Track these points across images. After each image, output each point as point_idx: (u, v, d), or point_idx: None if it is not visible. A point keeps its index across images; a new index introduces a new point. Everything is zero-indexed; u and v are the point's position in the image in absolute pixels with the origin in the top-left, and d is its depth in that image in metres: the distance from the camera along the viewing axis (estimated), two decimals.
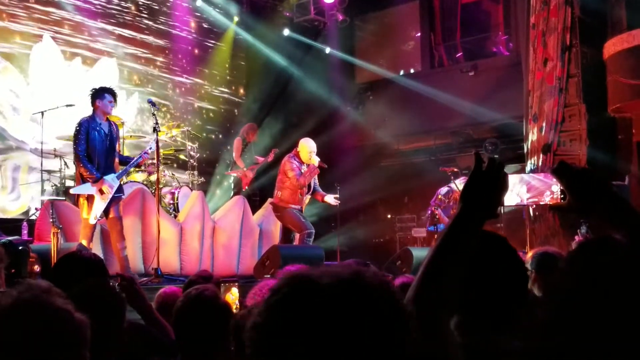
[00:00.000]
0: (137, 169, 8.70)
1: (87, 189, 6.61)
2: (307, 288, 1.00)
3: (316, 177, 8.12)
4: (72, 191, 6.84)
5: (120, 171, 6.95)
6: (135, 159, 7.13)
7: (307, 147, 7.88)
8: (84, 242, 6.61)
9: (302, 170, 7.87)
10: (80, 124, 6.73)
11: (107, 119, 6.86)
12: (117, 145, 6.94)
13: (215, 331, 2.54)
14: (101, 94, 6.77)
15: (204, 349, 2.54)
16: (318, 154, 7.99)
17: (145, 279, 6.64)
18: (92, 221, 6.64)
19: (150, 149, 7.12)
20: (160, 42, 12.12)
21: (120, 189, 6.92)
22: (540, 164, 10.08)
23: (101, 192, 6.61)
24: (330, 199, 8.10)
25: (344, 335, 0.95)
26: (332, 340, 0.95)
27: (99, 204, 6.63)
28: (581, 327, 0.91)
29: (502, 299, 1.64)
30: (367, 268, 1.07)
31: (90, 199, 6.62)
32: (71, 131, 8.71)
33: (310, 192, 8.11)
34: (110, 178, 6.73)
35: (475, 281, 1.46)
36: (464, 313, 1.32)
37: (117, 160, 6.96)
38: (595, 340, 0.90)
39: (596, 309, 0.91)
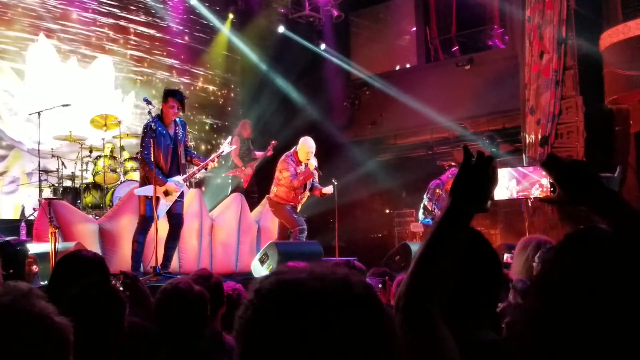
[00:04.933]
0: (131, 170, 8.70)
1: (149, 190, 6.60)
2: (294, 293, 1.00)
3: (315, 178, 8.08)
4: (135, 192, 6.82)
5: (187, 173, 6.97)
6: (205, 162, 7.05)
7: (306, 147, 7.82)
8: (139, 236, 6.69)
9: (298, 171, 7.83)
10: (146, 126, 6.69)
11: (174, 120, 6.80)
12: (180, 146, 6.82)
13: (193, 320, 2.71)
14: (165, 97, 6.74)
15: (185, 337, 2.69)
16: (316, 149, 7.98)
17: (143, 277, 6.64)
18: (158, 218, 6.64)
19: (223, 152, 7.14)
20: (156, 41, 12.11)
21: (182, 194, 6.93)
22: (537, 156, 10.08)
23: (166, 193, 6.65)
24: (328, 189, 8.07)
25: (328, 345, 0.96)
26: (316, 344, 0.96)
27: (163, 205, 6.70)
28: (564, 318, 0.92)
29: (476, 291, 1.66)
30: (355, 275, 1.06)
31: (153, 197, 6.63)
32: (67, 131, 8.82)
33: (309, 190, 8.08)
34: (175, 180, 6.75)
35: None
36: (443, 307, 1.33)
37: (182, 160, 6.88)
38: (579, 330, 0.90)
39: (581, 299, 0.91)
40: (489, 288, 1.72)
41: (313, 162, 7.82)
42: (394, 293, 3.16)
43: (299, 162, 7.85)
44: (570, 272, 0.95)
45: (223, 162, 9.97)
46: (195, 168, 7.10)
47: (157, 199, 6.65)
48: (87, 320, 2.08)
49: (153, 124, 6.61)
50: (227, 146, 7.25)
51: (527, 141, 10.33)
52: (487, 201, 1.42)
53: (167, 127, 6.73)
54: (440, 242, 1.36)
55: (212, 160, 7.04)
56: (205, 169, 7.23)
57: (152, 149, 6.56)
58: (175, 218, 6.93)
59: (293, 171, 7.77)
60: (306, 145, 7.82)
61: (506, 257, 4.61)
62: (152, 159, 6.56)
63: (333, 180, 8.70)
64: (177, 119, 6.87)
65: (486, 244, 1.75)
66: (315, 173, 7.94)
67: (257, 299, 1.02)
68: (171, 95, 6.74)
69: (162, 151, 6.67)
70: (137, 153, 7.31)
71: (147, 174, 6.71)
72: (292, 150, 7.95)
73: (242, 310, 1.03)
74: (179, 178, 6.80)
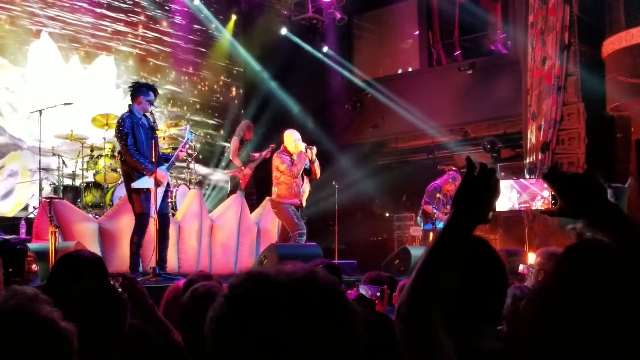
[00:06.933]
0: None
1: (147, 182, 6.56)
2: (263, 285, 1.08)
3: (308, 162, 8.08)
4: (134, 185, 6.63)
5: (167, 164, 6.98)
6: (176, 153, 7.12)
7: (292, 137, 7.89)
8: (136, 237, 6.64)
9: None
10: (123, 119, 6.64)
11: (144, 114, 6.80)
12: (156, 137, 6.79)
13: None
14: (145, 91, 6.73)
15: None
16: (318, 152, 8.00)
17: (142, 277, 6.63)
18: (153, 215, 6.59)
19: (187, 140, 7.17)
20: (158, 40, 12.11)
21: (168, 183, 6.96)
22: (538, 162, 10.09)
23: (157, 183, 6.57)
24: (311, 149, 7.94)
25: (294, 331, 1.04)
26: (284, 335, 1.04)
27: (157, 196, 6.62)
28: (565, 327, 0.92)
29: (482, 300, 1.67)
30: (322, 270, 1.15)
31: (147, 193, 6.59)
32: (68, 129, 8.81)
33: (306, 176, 8.08)
34: (162, 169, 6.71)
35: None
36: (447, 314, 1.33)
37: (160, 152, 6.90)
38: (578, 340, 0.90)
39: (581, 310, 0.92)
40: (493, 296, 1.72)
41: (302, 145, 7.84)
42: (396, 298, 3.16)
43: (290, 155, 7.90)
44: (570, 283, 0.95)
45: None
46: (172, 159, 7.10)
47: (149, 191, 6.58)
48: (88, 322, 2.08)
49: (130, 116, 6.63)
50: (188, 133, 7.25)
51: (529, 147, 10.33)
52: (489, 213, 1.43)
53: (142, 119, 6.72)
54: (442, 252, 1.36)
55: (181, 152, 7.13)
56: (177, 160, 7.28)
57: (134, 140, 6.56)
58: (162, 218, 6.85)
59: (288, 162, 7.81)
60: (291, 136, 7.89)
61: (522, 267, 4.57)
62: (136, 149, 6.56)
63: (334, 183, 8.72)
64: (148, 114, 6.79)
65: (492, 252, 1.76)
66: (309, 153, 7.88)
67: (230, 294, 1.10)
68: (150, 88, 6.80)
69: (143, 143, 6.63)
70: (118, 152, 7.15)
71: (133, 165, 6.59)
72: (281, 147, 8.02)
73: (217, 304, 1.10)
74: (163, 167, 6.79)
